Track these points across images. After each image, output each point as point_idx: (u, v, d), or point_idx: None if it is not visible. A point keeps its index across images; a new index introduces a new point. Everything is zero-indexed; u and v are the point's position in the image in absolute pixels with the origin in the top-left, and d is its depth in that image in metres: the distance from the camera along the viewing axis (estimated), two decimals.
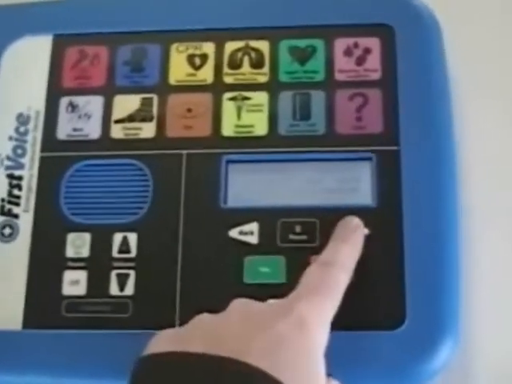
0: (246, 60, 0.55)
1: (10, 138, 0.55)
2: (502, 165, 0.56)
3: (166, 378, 0.41)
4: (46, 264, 0.52)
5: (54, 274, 0.52)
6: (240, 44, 0.56)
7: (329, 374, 0.44)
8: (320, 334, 0.43)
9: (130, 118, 0.55)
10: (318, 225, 0.51)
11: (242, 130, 0.54)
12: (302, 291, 0.45)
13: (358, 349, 0.48)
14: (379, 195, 0.51)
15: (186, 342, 0.42)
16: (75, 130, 0.55)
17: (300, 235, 0.51)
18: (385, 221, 0.51)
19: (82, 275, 0.51)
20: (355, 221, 0.50)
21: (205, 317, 0.45)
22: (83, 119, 0.55)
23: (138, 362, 0.43)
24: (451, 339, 0.48)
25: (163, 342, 0.44)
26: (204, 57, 0.56)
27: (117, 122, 0.55)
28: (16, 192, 0.54)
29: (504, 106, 0.58)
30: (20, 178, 0.54)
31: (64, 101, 0.55)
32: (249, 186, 0.52)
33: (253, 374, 0.40)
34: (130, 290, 0.51)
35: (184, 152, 0.53)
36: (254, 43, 0.56)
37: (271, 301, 0.47)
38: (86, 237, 0.52)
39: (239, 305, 0.45)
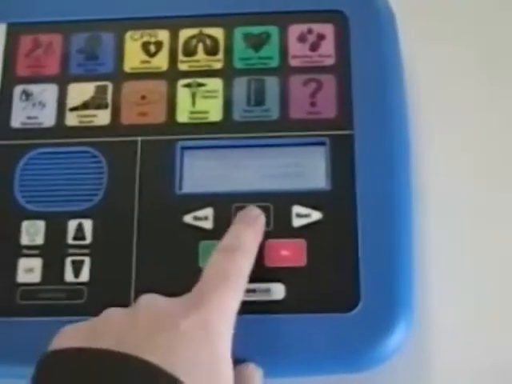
0: (200, 47, 0.55)
1: None
2: (455, 150, 0.57)
3: (69, 375, 0.41)
4: (0, 252, 0.52)
5: (9, 262, 0.51)
6: (194, 31, 0.56)
7: (242, 360, 0.45)
8: (224, 330, 0.43)
9: (85, 106, 0.54)
10: (272, 209, 0.51)
11: (197, 116, 0.54)
12: (206, 285, 0.45)
13: (312, 331, 0.48)
14: (333, 179, 0.51)
15: (92, 339, 0.42)
16: (29, 118, 0.54)
17: None
18: (339, 204, 0.51)
19: (36, 263, 0.51)
20: (256, 210, 0.50)
21: (112, 312, 0.45)
22: (37, 107, 0.55)
23: (41, 358, 0.42)
24: (405, 321, 0.49)
25: (68, 337, 0.43)
26: (159, 44, 0.56)
27: (71, 109, 0.54)
28: None
29: (457, 97, 0.59)
30: None
31: (18, 89, 0.55)
32: (203, 171, 0.52)
33: (152, 372, 0.40)
34: (85, 276, 0.51)
35: (139, 139, 0.53)
36: (208, 30, 0.56)
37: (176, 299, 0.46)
38: (41, 224, 0.52)
39: (146, 301, 0.45)
